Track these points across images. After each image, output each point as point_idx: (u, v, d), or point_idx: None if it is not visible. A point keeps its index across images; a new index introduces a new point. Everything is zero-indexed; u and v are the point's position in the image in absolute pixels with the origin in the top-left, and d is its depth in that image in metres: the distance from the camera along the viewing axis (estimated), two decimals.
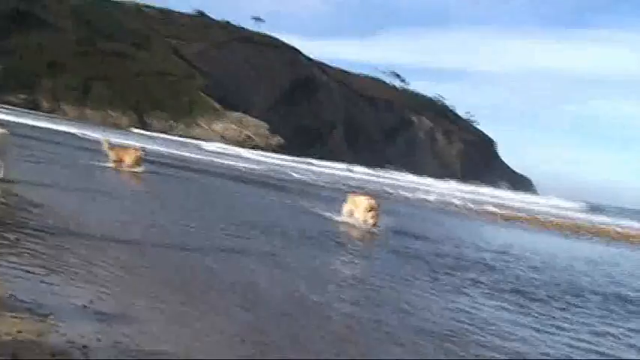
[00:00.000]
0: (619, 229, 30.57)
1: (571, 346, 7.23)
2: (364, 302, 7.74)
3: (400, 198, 32.86)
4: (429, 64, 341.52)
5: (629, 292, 11.77)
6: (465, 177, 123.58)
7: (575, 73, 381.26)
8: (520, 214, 32.41)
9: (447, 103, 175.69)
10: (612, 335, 7.98)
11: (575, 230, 27.17)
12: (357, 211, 14.39)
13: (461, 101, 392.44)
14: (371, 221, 13.92)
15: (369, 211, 13.93)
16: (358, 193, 16.40)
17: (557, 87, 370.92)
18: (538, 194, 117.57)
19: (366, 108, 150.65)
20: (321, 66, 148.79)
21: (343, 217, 14.73)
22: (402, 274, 10.08)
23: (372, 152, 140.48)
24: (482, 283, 10.19)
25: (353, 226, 14.21)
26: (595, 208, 60.48)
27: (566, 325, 8.16)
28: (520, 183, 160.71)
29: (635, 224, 40.03)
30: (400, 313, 7.46)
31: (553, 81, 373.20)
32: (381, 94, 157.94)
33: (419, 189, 43.47)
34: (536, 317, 8.23)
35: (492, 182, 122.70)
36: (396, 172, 79.44)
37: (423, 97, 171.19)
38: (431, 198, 35.21)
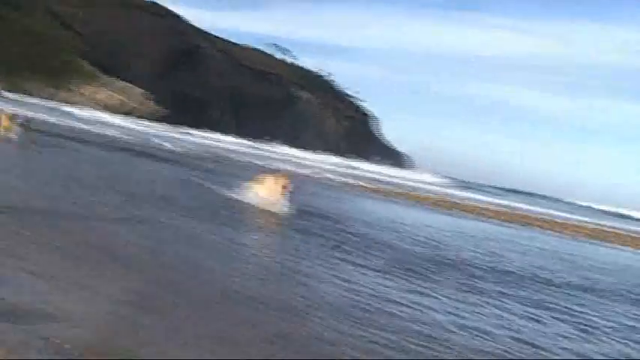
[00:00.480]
0: (478, 205, 32.61)
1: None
2: (248, 270, 7.96)
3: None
4: (317, 39, 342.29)
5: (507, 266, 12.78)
6: (347, 153, 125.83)
7: (458, 54, 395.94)
8: (391, 188, 33.73)
9: (334, 79, 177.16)
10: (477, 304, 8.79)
11: (440, 205, 28.68)
12: (265, 189, 14.28)
13: (347, 78, 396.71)
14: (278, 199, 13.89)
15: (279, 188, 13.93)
16: (268, 174, 15.78)
17: (442, 68, 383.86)
18: (416, 170, 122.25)
19: (252, 81, 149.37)
20: (208, 36, 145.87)
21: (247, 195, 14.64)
22: (292, 247, 10.43)
23: (257, 126, 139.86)
24: (370, 255, 10.70)
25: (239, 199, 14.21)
26: (461, 185, 64.26)
27: (427, 291, 8.85)
28: (401, 160, 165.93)
29: (494, 200, 42.93)
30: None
31: (439, 61, 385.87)
32: (268, 67, 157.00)
33: (293, 161, 44.14)
34: (418, 287, 8.88)
35: (374, 158, 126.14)
36: (278, 146, 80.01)
37: (310, 72, 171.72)
38: (307, 172, 35.86)
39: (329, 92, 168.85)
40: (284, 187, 12.95)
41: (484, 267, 12.05)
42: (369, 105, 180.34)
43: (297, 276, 8.26)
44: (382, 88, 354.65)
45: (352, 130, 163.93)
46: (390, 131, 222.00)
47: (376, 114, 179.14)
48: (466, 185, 67.91)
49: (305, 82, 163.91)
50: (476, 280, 10.41)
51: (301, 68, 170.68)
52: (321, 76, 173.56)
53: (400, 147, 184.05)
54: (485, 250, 14.77)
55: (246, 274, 7.69)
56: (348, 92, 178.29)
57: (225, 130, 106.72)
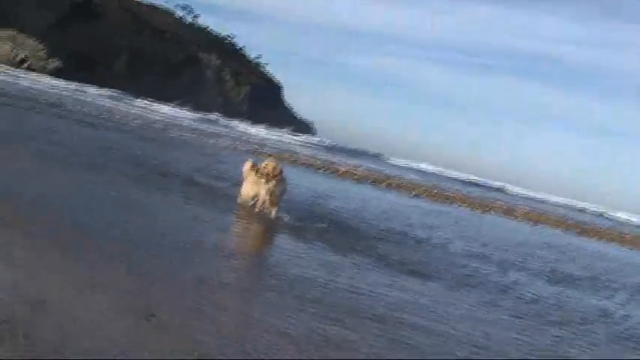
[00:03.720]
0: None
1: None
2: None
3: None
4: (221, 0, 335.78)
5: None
6: (251, 118, 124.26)
7: (364, 27, 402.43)
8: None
9: (237, 42, 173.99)
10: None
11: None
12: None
13: (251, 43, 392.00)
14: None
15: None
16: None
17: (347, 39, 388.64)
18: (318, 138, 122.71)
19: (152, 39, 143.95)
20: None
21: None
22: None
23: (157, 85, 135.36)
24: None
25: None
26: (331, 148, 67.81)
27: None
28: (303, 127, 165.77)
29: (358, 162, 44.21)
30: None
31: (344, 33, 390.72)
32: (169, 26, 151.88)
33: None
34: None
35: (277, 124, 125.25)
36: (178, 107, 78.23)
37: (213, 34, 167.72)
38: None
39: (231, 55, 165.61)
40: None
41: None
42: (272, 71, 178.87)
43: None
44: (286, 56, 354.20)
45: (254, 95, 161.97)
46: (293, 99, 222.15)
47: (279, 80, 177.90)
48: (337, 149, 71.89)
49: (206, 43, 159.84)
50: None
51: (203, 29, 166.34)
52: (223, 38, 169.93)
53: (305, 116, 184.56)
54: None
55: None
56: (253, 58, 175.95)
57: (122, 88, 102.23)
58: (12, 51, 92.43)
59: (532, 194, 72.52)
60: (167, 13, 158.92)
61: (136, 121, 31.93)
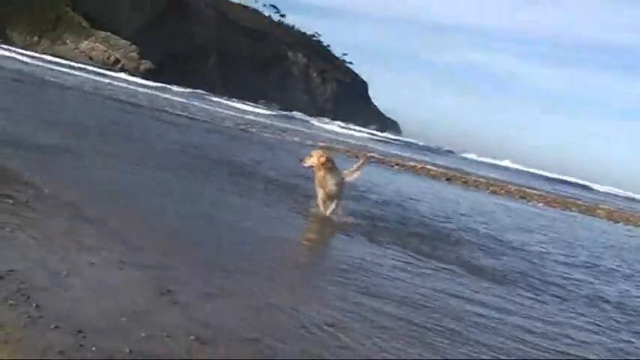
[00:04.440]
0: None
1: None
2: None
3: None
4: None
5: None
6: (336, 116, 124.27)
7: (450, 23, 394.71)
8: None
9: (323, 40, 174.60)
10: None
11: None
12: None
13: (336, 40, 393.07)
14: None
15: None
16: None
17: (431, 36, 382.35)
18: (404, 136, 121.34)
19: (240, 38, 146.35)
20: None
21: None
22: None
23: (245, 84, 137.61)
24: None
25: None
26: (410, 145, 66.05)
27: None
28: (388, 125, 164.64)
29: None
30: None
31: (428, 29, 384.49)
32: (257, 25, 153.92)
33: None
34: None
35: (362, 122, 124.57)
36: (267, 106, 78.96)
37: (299, 32, 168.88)
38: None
39: (318, 53, 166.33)
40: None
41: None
42: (357, 68, 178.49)
43: None
44: (371, 53, 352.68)
45: (340, 93, 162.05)
46: (379, 97, 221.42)
47: (365, 78, 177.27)
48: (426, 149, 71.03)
49: (293, 41, 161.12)
50: None
51: (290, 27, 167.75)
52: (309, 36, 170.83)
53: (388, 112, 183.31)
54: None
55: None
56: (338, 55, 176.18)
57: (212, 89, 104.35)
58: (106, 52, 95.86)
59: (620, 192, 69.08)
60: (256, 12, 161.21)
61: (225, 121, 32.27)
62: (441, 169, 31.83)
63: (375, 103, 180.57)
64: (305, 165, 9.77)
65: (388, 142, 70.30)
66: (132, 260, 5.34)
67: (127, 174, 10.00)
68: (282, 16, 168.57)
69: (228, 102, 68.97)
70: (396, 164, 28.68)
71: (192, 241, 6.94)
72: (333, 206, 9.69)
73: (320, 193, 9.72)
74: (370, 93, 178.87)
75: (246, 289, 5.48)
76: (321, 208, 9.77)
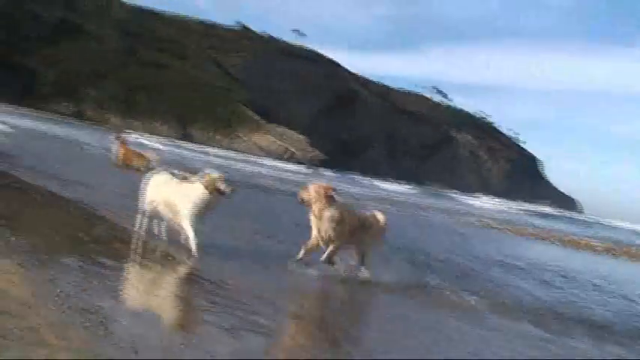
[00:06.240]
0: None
1: None
2: None
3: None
4: (471, 79, 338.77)
5: None
6: (507, 195, 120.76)
7: (623, 92, 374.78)
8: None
9: (490, 119, 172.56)
10: None
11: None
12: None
13: (504, 118, 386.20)
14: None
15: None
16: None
17: (604, 106, 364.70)
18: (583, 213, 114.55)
19: (406, 123, 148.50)
20: (362, 80, 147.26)
21: None
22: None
23: (412, 168, 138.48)
24: None
25: None
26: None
27: None
28: (564, 202, 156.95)
29: None
30: None
31: (600, 100, 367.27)
32: (422, 109, 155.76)
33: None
34: None
35: (535, 200, 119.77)
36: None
37: (465, 113, 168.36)
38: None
39: (486, 133, 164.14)
40: None
41: None
42: (529, 146, 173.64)
43: None
44: (544, 129, 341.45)
45: (513, 172, 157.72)
46: (554, 174, 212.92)
47: (539, 156, 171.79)
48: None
49: (461, 123, 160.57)
50: None
51: (457, 109, 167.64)
52: (477, 118, 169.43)
53: (566, 190, 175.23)
54: None
55: None
56: (507, 133, 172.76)
57: (381, 174, 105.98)
58: (279, 144, 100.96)
59: None
60: (419, 97, 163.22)
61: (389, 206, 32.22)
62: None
63: (551, 181, 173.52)
64: None
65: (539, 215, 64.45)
66: None
67: None
68: (445, 97, 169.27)
69: (400, 184, 68.61)
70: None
71: None
72: (329, 252, 8.38)
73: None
74: (545, 170, 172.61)
75: None
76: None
